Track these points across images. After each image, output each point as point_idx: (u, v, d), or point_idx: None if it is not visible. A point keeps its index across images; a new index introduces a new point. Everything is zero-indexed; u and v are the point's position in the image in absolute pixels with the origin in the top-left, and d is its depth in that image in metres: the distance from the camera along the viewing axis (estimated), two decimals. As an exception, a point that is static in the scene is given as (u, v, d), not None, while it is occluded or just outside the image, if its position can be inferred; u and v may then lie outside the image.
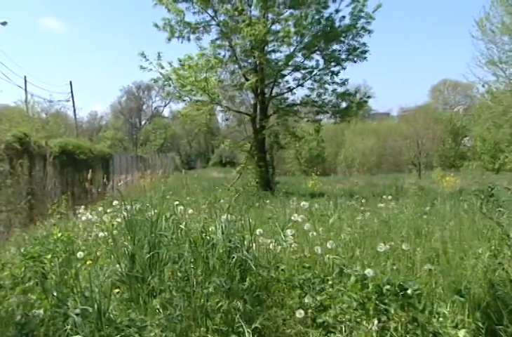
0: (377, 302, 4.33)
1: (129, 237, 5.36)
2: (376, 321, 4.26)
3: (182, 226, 5.42)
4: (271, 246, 5.70)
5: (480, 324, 4.43)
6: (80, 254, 5.97)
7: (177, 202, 7.27)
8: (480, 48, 28.55)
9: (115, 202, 8.05)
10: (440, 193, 17.25)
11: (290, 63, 25.60)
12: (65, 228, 8.01)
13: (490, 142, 53.94)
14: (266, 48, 25.09)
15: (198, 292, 4.59)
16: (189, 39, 25.32)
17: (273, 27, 24.81)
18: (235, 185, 22.97)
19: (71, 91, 46.89)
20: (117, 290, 4.98)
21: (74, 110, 48.92)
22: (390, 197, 11.09)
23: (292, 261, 5.46)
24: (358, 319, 4.36)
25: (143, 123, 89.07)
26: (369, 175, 46.03)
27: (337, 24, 25.32)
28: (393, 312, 4.30)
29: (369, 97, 29.14)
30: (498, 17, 28.01)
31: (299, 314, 4.60)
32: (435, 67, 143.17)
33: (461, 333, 4.28)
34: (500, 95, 29.33)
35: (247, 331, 4.27)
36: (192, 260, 4.90)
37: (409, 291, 4.34)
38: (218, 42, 25.46)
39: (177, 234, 5.35)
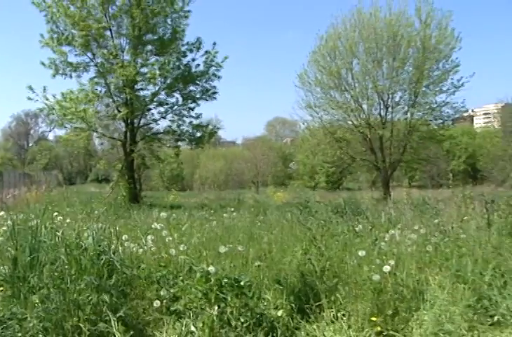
0: (218, 292, 4.37)
1: (12, 243, 5.12)
2: (216, 307, 4.32)
3: (59, 233, 5.24)
4: (134, 249, 5.66)
5: (293, 305, 4.68)
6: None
7: (56, 213, 6.99)
8: (301, 94, 29.93)
9: (1, 213, 7.59)
10: (272, 205, 17.77)
11: (155, 99, 25.80)
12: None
13: (309, 166, 56.13)
14: (135, 86, 24.86)
15: (71, 288, 4.45)
16: (71, 76, 24.67)
17: (142, 70, 24.75)
18: (108, 199, 22.41)
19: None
20: (1, 288, 4.74)
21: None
22: (232, 209, 11.27)
23: (151, 261, 5.43)
24: (203, 306, 4.40)
25: (30, 145, 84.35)
26: (218, 191, 46.32)
27: (193, 70, 25.92)
28: (229, 299, 4.37)
29: (218, 128, 29.91)
30: (313, 73, 29.50)
31: (156, 304, 4.61)
32: (271, 107, 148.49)
33: (280, 312, 4.50)
34: (315, 131, 30.74)
35: (113, 319, 4.21)
36: (67, 262, 4.75)
37: (242, 283, 4.43)
38: (96, 80, 24.88)
39: (55, 240, 5.17)
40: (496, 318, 4.47)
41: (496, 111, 61.93)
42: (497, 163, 54.57)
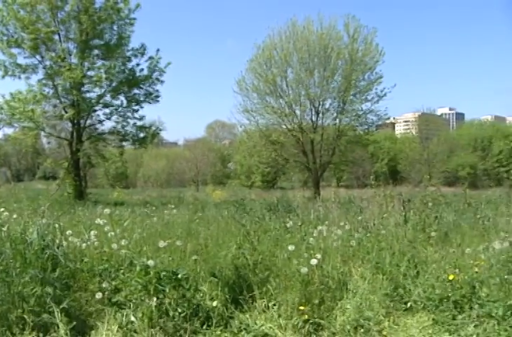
0: (156, 284, 4.34)
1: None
2: (155, 299, 4.30)
3: (4, 228, 5.05)
4: (78, 244, 5.52)
5: (228, 296, 4.71)
6: None
7: (2, 209, 6.73)
8: (239, 99, 30.08)
9: None
10: (210, 203, 17.69)
11: (100, 101, 25.19)
12: None
13: (245, 166, 56.45)
14: (82, 88, 24.22)
15: (16, 281, 4.32)
16: (19, 77, 23.72)
17: (89, 73, 24.21)
18: (54, 195, 21.76)
19: None
20: None
21: None
22: (173, 206, 11.15)
23: (94, 255, 5.31)
24: (142, 298, 4.36)
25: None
26: (160, 189, 45.72)
27: (138, 74, 25.58)
28: (168, 291, 4.35)
29: (161, 129, 29.92)
30: (250, 79, 29.72)
31: (98, 295, 4.54)
32: (211, 110, 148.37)
33: (215, 303, 4.51)
34: (252, 134, 30.97)
35: (57, 311, 4.13)
36: (12, 256, 4.60)
37: (179, 276, 4.41)
38: (44, 81, 24.05)
39: (0, 234, 4.98)
40: (409, 304, 4.65)
41: (414, 119, 64.27)
42: (415, 165, 56.99)
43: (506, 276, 4.46)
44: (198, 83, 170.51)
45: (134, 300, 4.44)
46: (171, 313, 4.29)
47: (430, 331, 4.21)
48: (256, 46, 29.56)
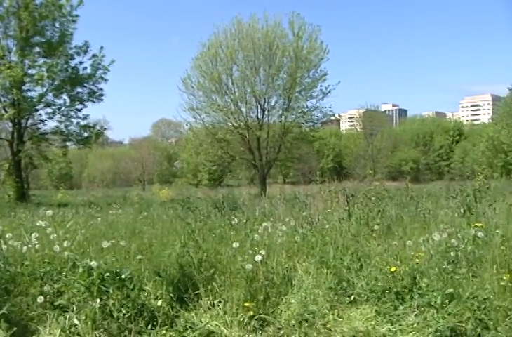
0: (100, 286, 4.25)
1: None
2: (98, 300, 4.21)
3: None
4: (18, 247, 5.32)
5: (173, 295, 4.66)
6: None
7: None
8: (185, 98, 29.66)
9: None
10: (156, 202, 17.47)
11: (42, 100, 24.49)
12: None
13: (192, 164, 55.98)
14: (23, 87, 23.51)
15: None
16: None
17: (30, 71, 23.54)
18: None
19: None
20: None
21: None
22: (118, 206, 10.95)
23: (35, 258, 5.13)
24: (86, 300, 4.26)
25: None
26: (106, 189, 44.76)
27: (81, 72, 25.09)
28: (111, 292, 4.27)
29: (105, 129, 29.61)
30: (196, 77, 29.43)
31: (40, 299, 4.40)
32: (157, 109, 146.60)
33: (159, 302, 4.46)
34: (198, 132, 30.73)
35: (-4, 317, 3.98)
36: None
37: (123, 276, 4.34)
38: (-18, 80, 23.07)
39: None
40: (353, 297, 4.71)
41: (358, 115, 65.65)
42: (359, 161, 58.33)
43: (444, 266, 4.61)
44: (144, 81, 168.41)
45: (77, 303, 4.33)
46: (115, 314, 4.20)
47: (373, 323, 4.29)
48: (201, 44, 29.42)
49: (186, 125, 32.04)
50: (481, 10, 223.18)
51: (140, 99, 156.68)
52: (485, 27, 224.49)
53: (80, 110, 25.53)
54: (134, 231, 6.45)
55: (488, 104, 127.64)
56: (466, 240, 5.03)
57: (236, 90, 29.00)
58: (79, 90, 25.28)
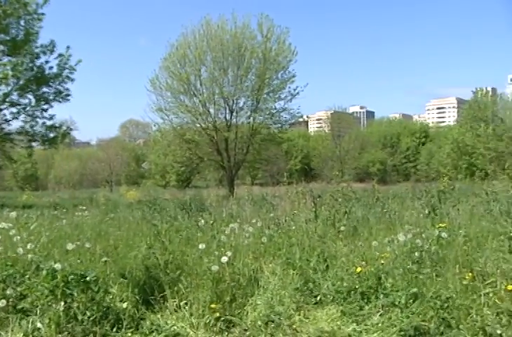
0: (64, 288, 4.17)
1: None
2: (62, 303, 4.13)
3: None
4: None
5: (138, 297, 4.61)
6: None
7: None
8: (152, 98, 29.33)
9: None
10: (123, 203, 17.23)
11: (6, 100, 23.81)
12: None
13: (160, 166, 55.35)
14: (-14, 86, 22.83)
15: None
16: None
17: (-6, 70, 22.78)
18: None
19: None
20: None
21: None
22: (84, 207, 10.75)
23: (-4, 261, 5.01)
24: (50, 303, 4.17)
25: None
26: (73, 190, 43.84)
27: (47, 71, 24.45)
28: (76, 295, 4.19)
29: (72, 129, 28.84)
30: (164, 78, 29.11)
31: (2, 303, 4.28)
32: (125, 109, 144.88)
33: (125, 304, 4.41)
34: (166, 133, 30.48)
35: None
36: None
37: (88, 278, 4.26)
38: None
39: None
40: (319, 297, 4.75)
41: (326, 117, 66.19)
42: (327, 162, 58.76)
43: (408, 266, 4.70)
44: (111, 82, 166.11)
45: (40, 306, 4.24)
46: (80, 317, 4.13)
47: (338, 323, 4.33)
48: (170, 45, 29.04)
49: (154, 126, 31.73)
50: (446, 13, 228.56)
51: (108, 99, 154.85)
52: (451, 30, 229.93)
53: (46, 110, 24.96)
54: (100, 233, 6.36)
55: (453, 107, 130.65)
56: (430, 240, 5.13)
57: (204, 91, 28.81)
58: (45, 89, 24.70)
